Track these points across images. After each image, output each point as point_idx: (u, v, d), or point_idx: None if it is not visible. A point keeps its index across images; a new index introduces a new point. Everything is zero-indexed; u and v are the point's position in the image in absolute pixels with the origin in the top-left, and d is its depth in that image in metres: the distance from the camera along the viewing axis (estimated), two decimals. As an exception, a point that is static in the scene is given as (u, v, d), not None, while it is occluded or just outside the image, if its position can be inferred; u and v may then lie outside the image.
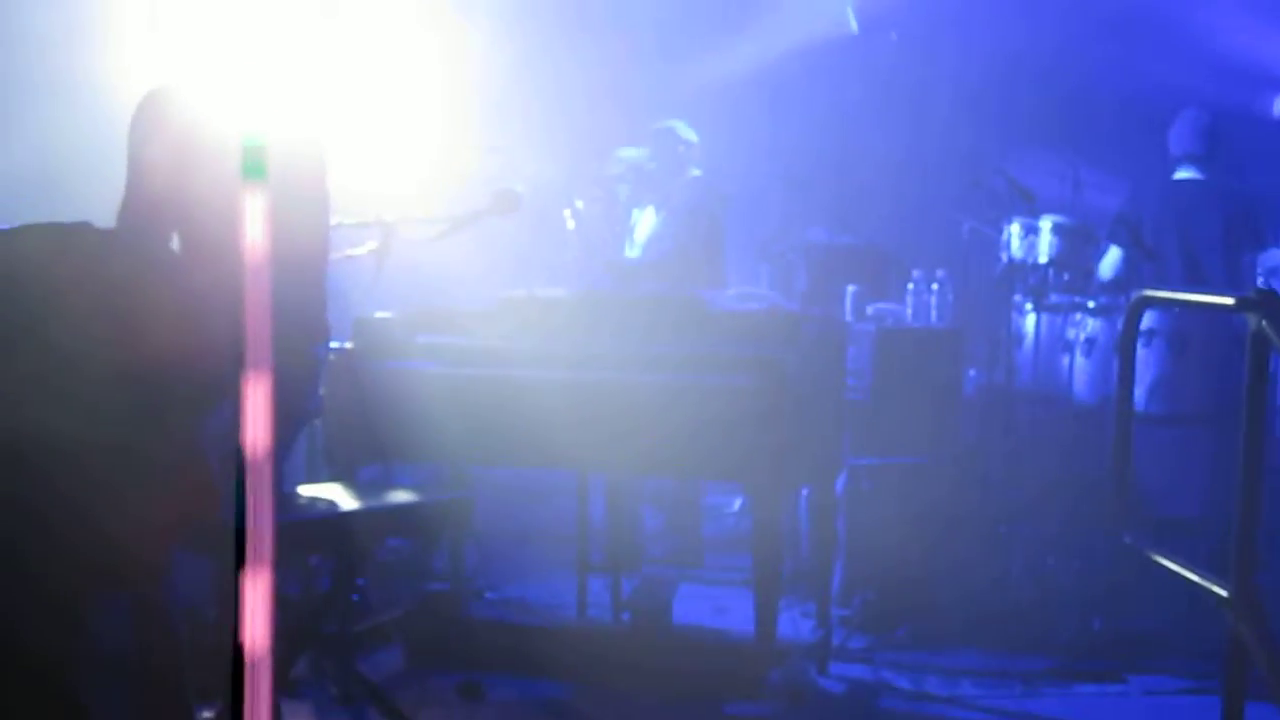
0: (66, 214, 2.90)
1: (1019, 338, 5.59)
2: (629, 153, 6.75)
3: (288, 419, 3.84)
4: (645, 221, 6.54)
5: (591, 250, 6.02)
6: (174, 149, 3.54)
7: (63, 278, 2.67)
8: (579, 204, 6.02)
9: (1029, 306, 5.58)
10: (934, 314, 5.54)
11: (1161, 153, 6.05)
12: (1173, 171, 6.03)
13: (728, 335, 4.28)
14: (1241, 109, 6.80)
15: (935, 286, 5.53)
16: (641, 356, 4.25)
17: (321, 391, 4.14)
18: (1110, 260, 5.97)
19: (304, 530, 3.56)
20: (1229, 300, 2.68)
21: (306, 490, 3.83)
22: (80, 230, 2.80)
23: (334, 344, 4.42)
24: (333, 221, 4.52)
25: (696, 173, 6.23)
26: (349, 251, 4.72)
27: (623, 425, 4.19)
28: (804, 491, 5.28)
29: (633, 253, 6.43)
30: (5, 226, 2.87)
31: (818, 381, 4.36)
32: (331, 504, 3.66)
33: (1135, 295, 3.18)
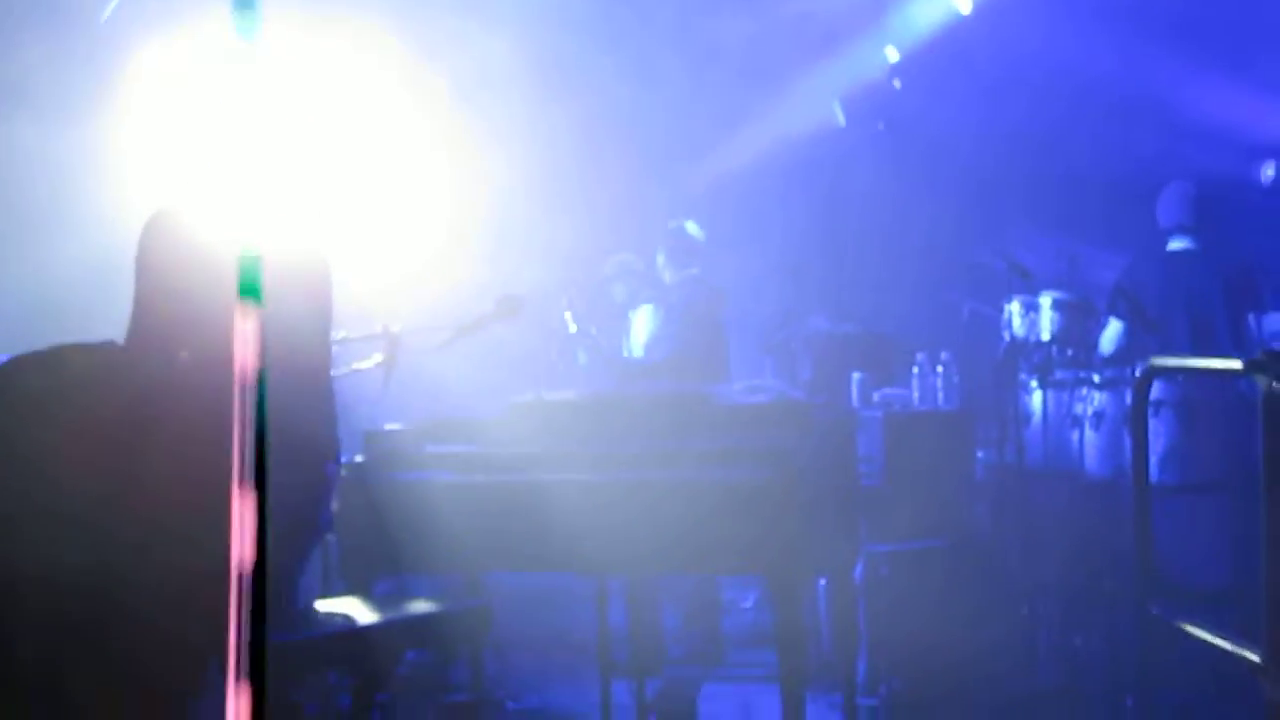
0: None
1: (1027, 416, 5.59)
2: (621, 256, 6.84)
3: (300, 535, 3.83)
4: (644, 321, 6.58)
5: (597, 353, 6.05)
6: (182, 270, 3.57)
7: (72, 398, 2.67)
8: (566, 308, 6.04)
9: (1034, 384, 5.59)
10: (940, 396, 5.55)
11: (1153, 225, 6.11)
12: (1165, 243, 6.08)
13: (737, 428, 4.28)
14: (1230, 177, 6.88)
15: (940, 369, 5.54)
16: (653, 454, 4.24)
17: (334, 507, 4.13)
18: (1111, 333, 5.99)
19: (321, 646, 3.52)
20: (1236, 364, 2.69)
21: (323, 605, 3.80)
22: (98, 350, 2.80)
23: (344, 458, 4.42)
24: (338, 336, 4.56)
25: (695, 271, 6.29)
26: (356, 365, 4.74)
27: (638, 525, 4.16)
28: (821, 582, 5.25)
29: (634, 353, 6.46)
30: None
31: (829, 469, 4.35)
32: (348, 618, 3.64)
33: (1144, 365, 3.18)
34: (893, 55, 8.06)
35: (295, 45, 5.55)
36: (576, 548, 4.23)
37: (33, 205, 6.13)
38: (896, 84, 7.89)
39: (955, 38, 7.68)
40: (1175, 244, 6.06)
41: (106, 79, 6.39)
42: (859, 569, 5.00)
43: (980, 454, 5.87)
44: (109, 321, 3.56)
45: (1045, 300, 5.59)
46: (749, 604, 6.86)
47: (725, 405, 4.43)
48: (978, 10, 7.54)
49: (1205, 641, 2.95)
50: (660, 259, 6.35)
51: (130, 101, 6.26)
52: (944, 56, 7.73)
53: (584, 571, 4.84)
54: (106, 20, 6.64)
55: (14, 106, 6.01)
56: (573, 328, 5.92)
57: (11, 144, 5.96)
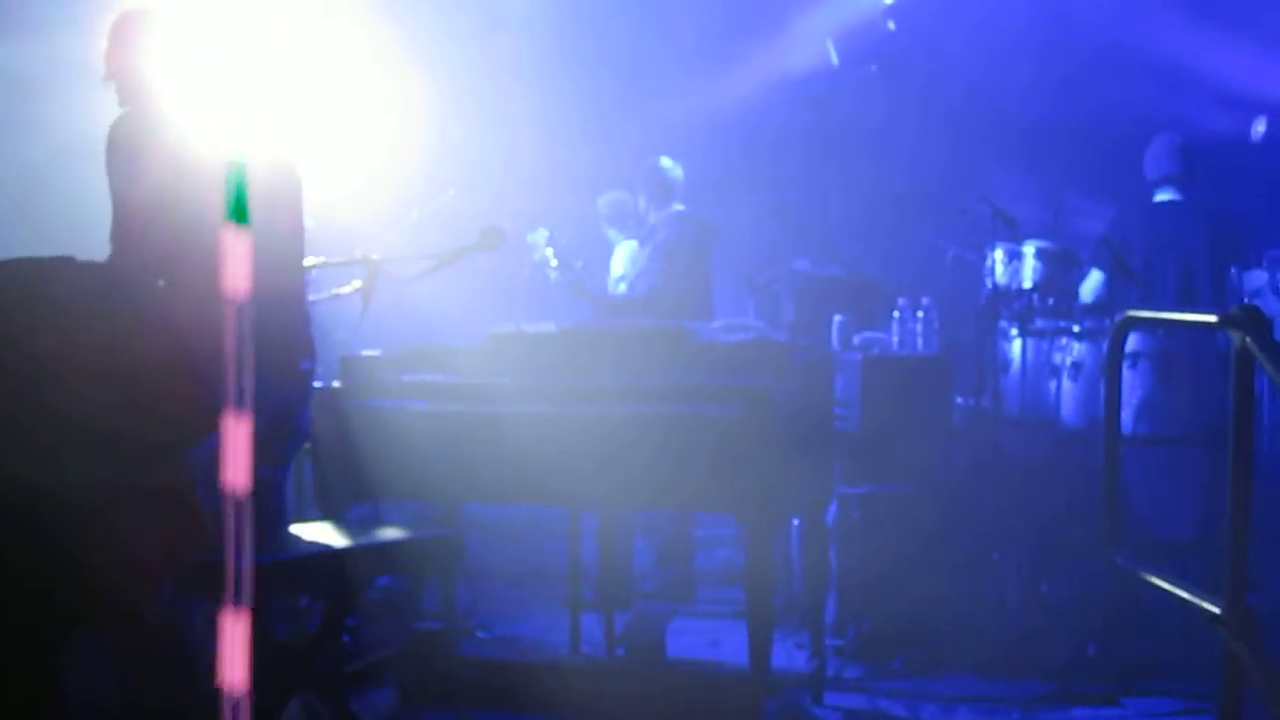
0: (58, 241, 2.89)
1: (1005, 363, 5.60)
2: (613, 195, 6.79)
3: (283, 436, 3.84)
4: (627, 256, 6.56)
5: (579, 288, 6.02)
6: (157, 175, 3.54)
7: (44, 313, 2.66)
8: (547, 243, 6.00)
9: (1014, 332, 5.58)
10: (920, 342, 5.55)
11: (1141, 176, 6.09)
12: (1152, 195, 6.06)
13: (715, 366, 4.28)
14: (1221, 132, 6.85)
15: (920, 314, 5.54)
16: (629, 390, 4.25)
17: (310, 415, 4.13)
18: (1092, 283, 5.99)
19: (292, 569, 3.53)
20: (1212, 319, 2.69)
21: (296, 530, 3.81)
22: (62, 265, 2.78)
23: (320, 384, 4.42)
24: (318, 260, 4.53)
25: (680, 207, 6.25)
26: (335, 290, 4.72)
27: (612, 459, 4.17)
28: (795, 522, 5.27)
29: (619, 287, 6.44)
30: None
31: (805, 411, 4.36)
32: (320, 543, 3.64)
33: (1120, 317, 3.18)
34: (886, -4, 7.98)
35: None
36: (550, 480, 4.24)
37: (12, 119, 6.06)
38: (891, 25, 7.81)
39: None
40: (1162, 195, 6.05)
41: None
42: (832, 511, 5.02)
43: (959, 400, 5.89)
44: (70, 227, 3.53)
45: (1029, 249, 5.58)
46: (726, 543, 6.89)
47: (703, 342, 4.43)
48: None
49: (1169, 592, 2.97)
50: (641, 200, 6.31)
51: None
52: (937, 1, 7.66)
53: (556, 504, 4.86)
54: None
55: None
56: (554, 262, 5.89)
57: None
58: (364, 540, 3.76)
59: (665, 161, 6.28)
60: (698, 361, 4.32)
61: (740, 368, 4.24)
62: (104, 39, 3.75)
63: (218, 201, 3.41)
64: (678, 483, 4.13)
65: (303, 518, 4.55)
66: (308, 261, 4.71)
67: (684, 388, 4.18)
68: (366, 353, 4.62)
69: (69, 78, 5.78)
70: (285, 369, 3.76)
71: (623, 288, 6.39)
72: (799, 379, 4.30)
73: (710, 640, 5.34)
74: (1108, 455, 3.30)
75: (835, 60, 8.48)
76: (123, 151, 3.63)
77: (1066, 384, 5.44)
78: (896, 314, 5.65)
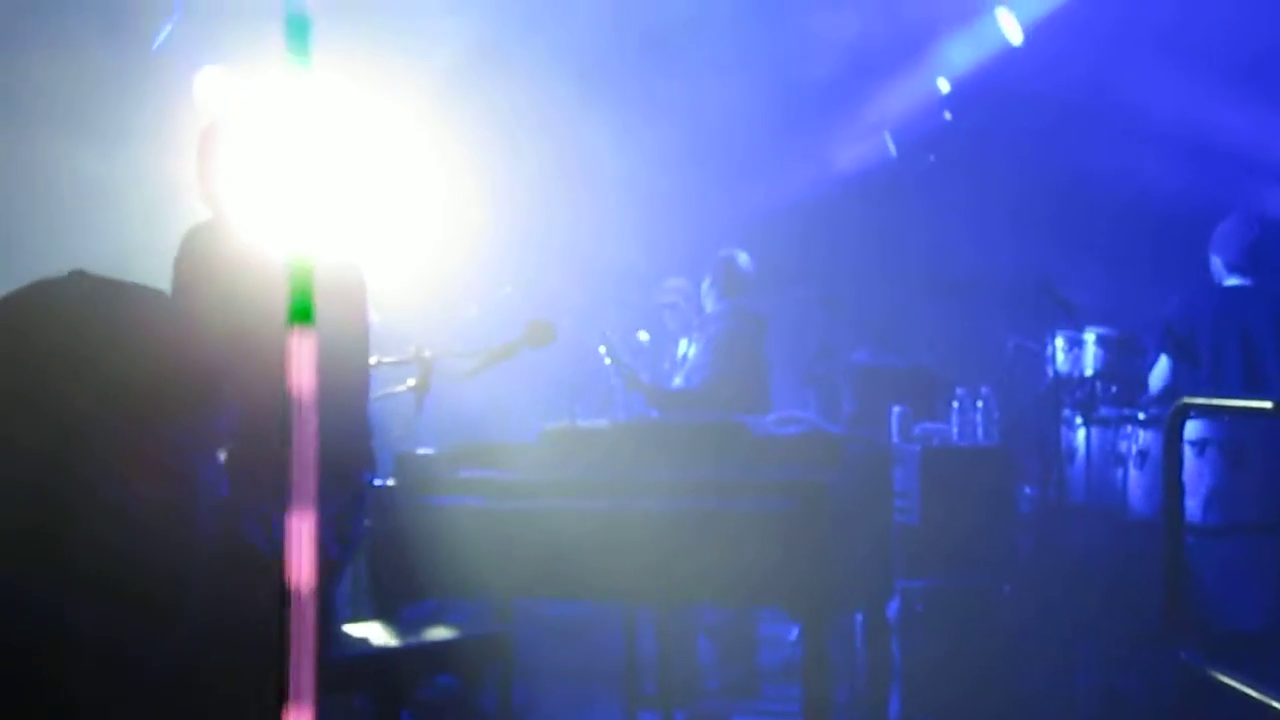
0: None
1: (1070, 452, 5.51)
2: (676, 282, 6.80)
3: (338, 542, 3.84)
4: (686, 350, 6.56)
5: (633, 382, 6.02)
6: (222, 284, 3.59)
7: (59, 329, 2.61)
8: (602, 340, 6.02)
9: (1079, 420, 5.50)
10: (980, 432, 5.47)
11: (1204, 260, 6.00)
12: (1218, 279, 5.98)
13: (769, 460, 4.24)
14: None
15: (980, 404, 5.47)
16: (683, 484, 4.21)
17: (366, 522, 4.14)
18: (1160, 370, 5.89)
19: (345, 668, 3.52)
20: (1267, 404, 2.63)
21: (349, 629, 3.80)
22: (73, 280, 2.72)
23: (376, 481, 4.43)
24: (371, 361, 4.57)
25: (737, 301, 6.23)
26: (389, 389, 4.75)
27: (666, 554, 4.13)
28: (858, 617, 5.18)
29: (675, 381, 6.43)
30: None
31: (861, 504, 4.30)
32: (373, 641, 3.63)
33: (1175, 404, 3.12)
34: (944, 87, 8.01)
35: (340, 72, 5.59)
36: (604, 577, 4.20)
37: (87, 223, 6.20)
38: (947, 115, 7.84)
39: (1006, 69, 7.61)
40: (1231, 280, 5.95)
41: (160, 103, 6.50)
42: (894, 605, 4.93)
43: (1026, 489, 5.79)
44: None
45: (1089, 336, 5.51)
46: (793, 638, 6.78)
47: (757, 436, 4.40)
48: (1029, 41, 7.47)
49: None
50: (704, 285, 6.31)
51: (182, 124, 6.35)
52: (994, 88, 7.67)
53: (611, 600, 4.81)
54: (159, 46, 6.74)
55: (72, 126, 6.09)
56: (608, 360, 5.90)
57: (72, 163, 6.03)
58: (416, 639, 3.74)
59: (741, 257, 6.26)
60: (752, 455, 4.29)
61: (794, 461, 4.20)
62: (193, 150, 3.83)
63: (281, 308, 3.46)
64: (732, 578, 4.08)
65: (357, 616, 4.54)
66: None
67: (737, 482, 4.14)
68: (421, 450, 4.63)
69: (143, 184, 5.95)
70: (344, 480, 3.76)
71: (678, 380, 6.38)
72: (854, 471, 4.24)
73: (771, 739, 5.24)
74: (1169, 545, 3.22)
75: (893, 151, 8.52)
76: (187, 259, 3.68)
77: (1133, 472, 5.33)
78: (955, 404, 5.59)
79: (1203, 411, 4.38)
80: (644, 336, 6.94)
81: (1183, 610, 3.22)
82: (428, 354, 4.67)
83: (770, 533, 3.97)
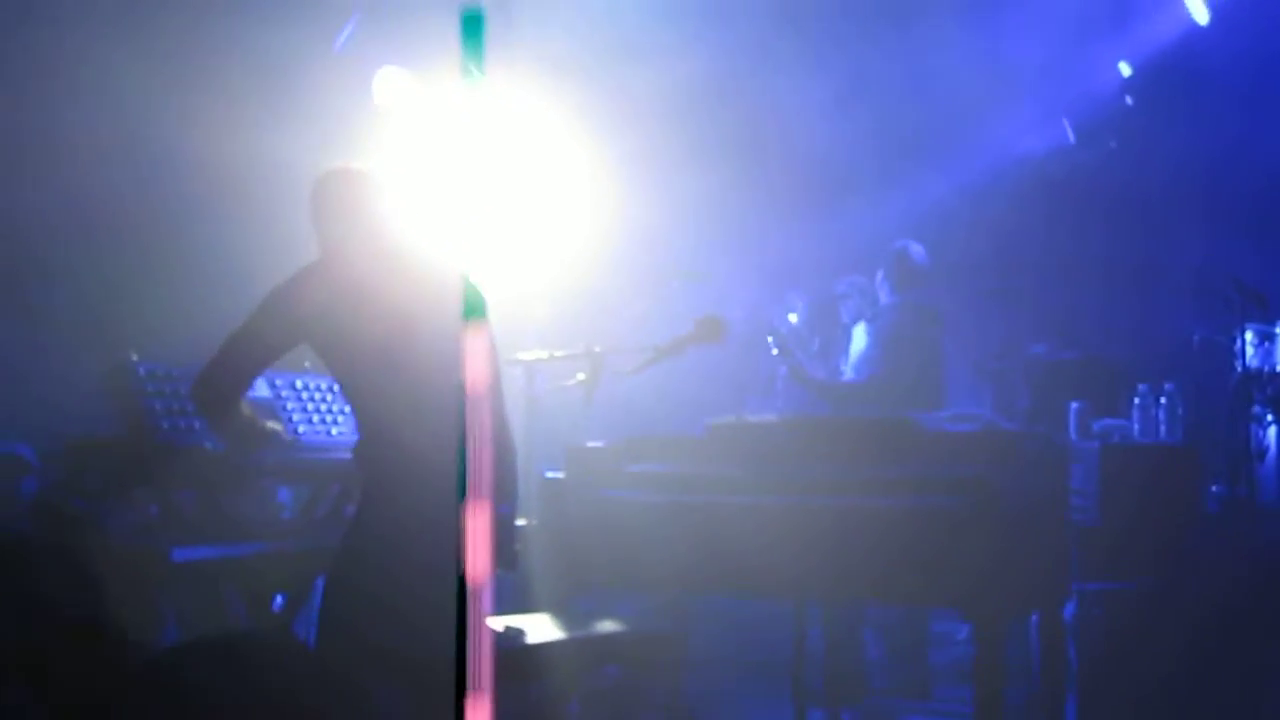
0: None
1: (1261, 450, 5.28)
2: (848, 279, 6.72)
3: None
4: (856, 341, 6.48)
5: (799, 375, 5.97)
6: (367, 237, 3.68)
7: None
8: (770, 332, 5.98)
9: (1269, 418, 5.28)
10: (1163, 429, 5.28)
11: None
12: None
13: (940, 457, 4.16)
14: None
15: (1163, 400, 5.28)
16: (853, 481, 4.17)
17: (534, 522, 4.20)
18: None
19: (516, 658, 3.59)
20: None
21: (517, 620, 3.87)
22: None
23: (547, 473, 4.50)
24: (543, 356, 4.64)
25: (911, 296, 6.12)
26: (561, 383, 4.81)
27: (835, 551, 4.09)
28: (1033, 619, 5.06)
29: (848, 374, 6.36)
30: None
31: (1036, 502, 4.19)
32: (543, 633, 3.69)
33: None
34: (1125, 70, 7.75)
35: (506, 80, 5.67)
36: (771, 572, 4.18)
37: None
38: (1129, 100, 7.58)
39: (1192, 50, 7.31)
40: None
41: (342, 102, 6.67)
42: (1070, 608, 4.80)
43: (1214, 488, 5.57)
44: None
45: (1282, 330, 5.28)
46: (963, 636, 6.66)
47: (930, 432, 4.32)
48: (1216, 20, 7.16)
49: None
50: (878, 278, 6.21)
51: (362, 124, 6.52)
52: (1180, 70, 7.38)
53: (778, 596, 4.79)
54: (341, 46, 6.93)
55: (255, 112, 6.23)
56: (775, 351, 5.86)
57: (252, 151, 6.19)
58: (584, 631, 3.78)
59: (914, 248, 6.14)
60: (922, 452, 4.21)
61: (967, 458, 4.11)
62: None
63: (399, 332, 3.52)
64: (901, 576, 4.02)
65: (527, 608, 4.61)
66: (534, 357, 4.83)
67: (908, 478, 4.08)
68: (590, 443, 4.67)
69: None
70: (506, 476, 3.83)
71: (849, 373, 6.30)
72: (1029, 469, 4.14)
73: (943, 740, 5.16)
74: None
75: (1072, 137, 8.28)
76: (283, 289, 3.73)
77: (1328, 472, 5.10)
78: (1137, 400, 5.40)
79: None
80: (793, 318, 6.88)
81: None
82: (598, 349, 4.71)
83: (941, 530, 3.90)
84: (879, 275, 6.26)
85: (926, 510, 3.95)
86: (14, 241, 5.51)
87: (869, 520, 4.04)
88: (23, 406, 4.91)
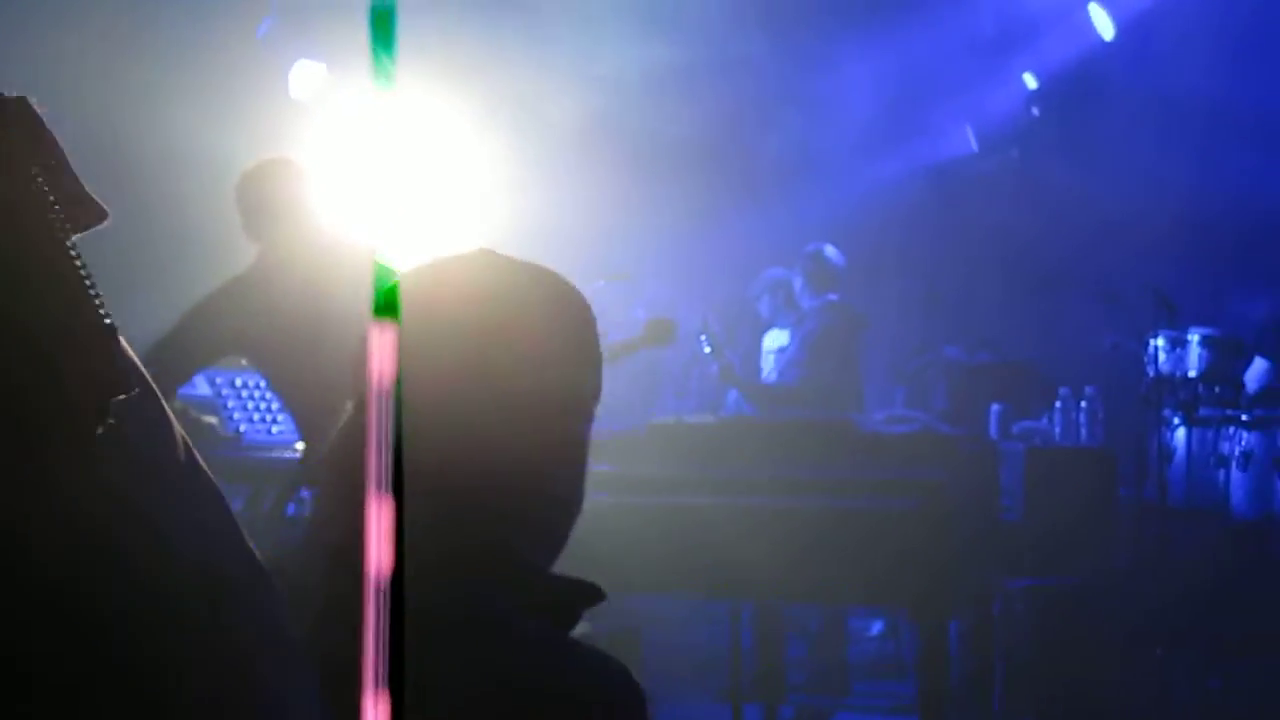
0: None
1: (1170, 453, 5.47)
2: (769, 273, 6.78)
3: None
4: (775, 344, 6.55)
5: (730, 376, 6.03)
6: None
7: None
8: (702, 330, 6.02)
9: (1176, 421, 5.47)
10: (1084, 432, 5.45)
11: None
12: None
13: (878, 458, 4.25)
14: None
15: (1084, 404, 5.45)
16: (793, 481, 4.24)
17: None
18: (1256, 371, 5.83)
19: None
20: None
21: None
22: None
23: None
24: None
25: (832, 297, 6.22)
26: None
27: (777, 551, 4.16)
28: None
29: (769, 376, 6.43)
30: None
31: (973, 503, 4.30)
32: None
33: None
34: (1030, 82, 7.96)
35: (420, 77, 5.61)
36: (712, 572, 4.23)
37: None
38: (1035, 111, 7.79)
39: (1097, 64, 7.54)
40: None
41: (256, 91, 6.57)
42: (996, 604, 4.93)
43: (1125, 490, 5.75)
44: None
45: (1194, 337, 5.47)
46: (875, 632, 6.78)
47: (868, 434, 4.41)
48: (1121, 36, 7.40)
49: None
50: (797, 284, 6.29)
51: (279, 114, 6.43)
52: (1085, 83, 7.60)
53: (721, 597, 4.84)
54: (262, 37, 6.81)
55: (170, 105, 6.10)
56: (708, 349, 5.91)
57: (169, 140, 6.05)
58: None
59: (829, 250, 6.23)
60: (863, 453, 4.30)
61: (906, 460, 4.21)
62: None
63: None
64: (847, 576, 4.10)
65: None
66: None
67: (849, 480, 4.16)
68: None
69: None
70: None
71: (772, 376, 6.38)
72: (966, 470, 4.25)
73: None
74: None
75: (974, 145, 8.48)
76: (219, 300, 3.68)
77: (1236, 474, 5.30)
78: (1059, 404, 5.56)
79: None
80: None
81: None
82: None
83: (888, 531, 3.99)
84: (797, 280, 6.34)
85: (870, 511, 4.03)
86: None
87: (812, 521, 4.11)
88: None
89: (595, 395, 1.46)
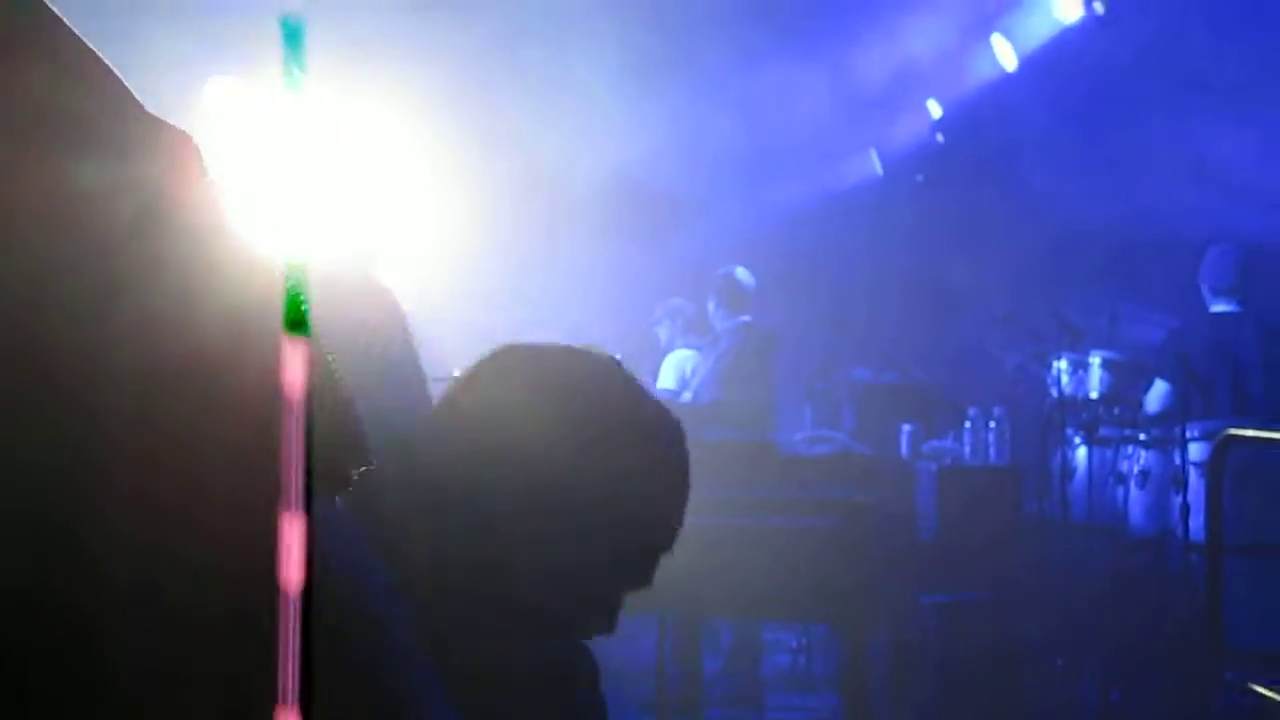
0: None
1: (1071, 471, 5.66)
2: (674, 302, 6.89)
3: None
4: (677, 366, 6.63)
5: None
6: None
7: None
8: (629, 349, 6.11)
9: (1077, 440, 5.67)
10: (992, 451, 5.62)
11: (1197, 285, 6.17)
12: (1208, 305, 6.15)
13: (800, 478, 4.37)
14: (1275, 239, 6.94)
15: (992, 424, 5.62)
16: (714, 501, 4.31)
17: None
18: (1157, 393, 6.04)
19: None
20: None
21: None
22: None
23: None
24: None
25: (746, 318, 6.33)
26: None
27: (703, 569, 4.23)
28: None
29: (683, 396, 6.51)
30: None
31: (892, 521, 4.43)
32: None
33: (1222, 434, 3.27)
34: (935, 110, 8.17)
35: (337, 87, 5.59)
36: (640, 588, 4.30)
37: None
38: (939, 138, 8.00)
39: (998, 93, 7.76)
40: (1219, 306, 6.13)
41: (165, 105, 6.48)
42: (911, 619, 5.07)
43: (1029, 508, 5.92)
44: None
45: (1095, 359, 5.67)
46: (794, 645, 6.85)
47: (788, 455, 4.52)
48: (1023, 67, 7.63)
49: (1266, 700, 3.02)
50: (710, 306, 6.40)
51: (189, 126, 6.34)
52: (987, 110, 7.82)
53: (644, 611, 4.90)
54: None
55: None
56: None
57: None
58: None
59: (740, 272, 6.35)
60: (782, 474, 4.41)
61: (827, 480, 4.33)
62: None
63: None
64: (766, 592, 4.19)
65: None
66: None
67: (771, 499, 4.27)
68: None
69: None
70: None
71: (687, 396, 6.46)
72: (884, 489, 4.38)
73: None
74: (1211, 568, 3.37)
75: (879, 170, 8.68)
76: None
77: (1134, 492, 5.51)
78: (968, 424, 5.73)
79: (1239, 443, 4.52)
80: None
81: (1222, 631, 3.36)
82: (457, 373, 4.71)
83: (808, 549, 4.09)
84: (710, 302, 6.45)
85: (791, 529, 4.14)
86: None
87: (735, 539, 4.20)
88: None
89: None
